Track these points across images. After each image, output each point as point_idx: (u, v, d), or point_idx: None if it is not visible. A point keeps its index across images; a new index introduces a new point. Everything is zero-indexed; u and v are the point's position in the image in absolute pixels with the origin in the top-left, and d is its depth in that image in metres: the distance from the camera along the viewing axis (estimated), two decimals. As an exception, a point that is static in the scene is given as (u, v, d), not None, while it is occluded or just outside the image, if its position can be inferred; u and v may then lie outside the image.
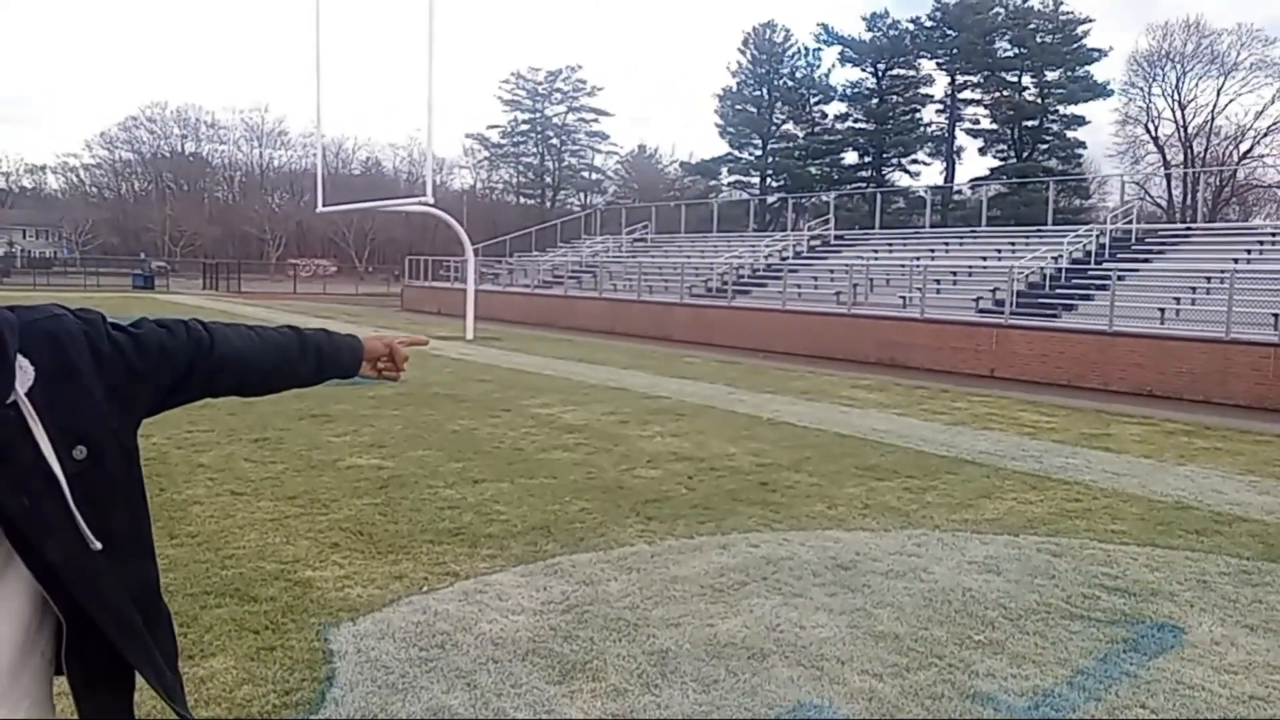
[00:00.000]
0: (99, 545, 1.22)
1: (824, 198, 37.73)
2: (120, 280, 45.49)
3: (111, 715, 1.35)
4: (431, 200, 20.24)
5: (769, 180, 59.26)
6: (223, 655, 3.47)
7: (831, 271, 23.19)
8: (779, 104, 59.38)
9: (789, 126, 59.89)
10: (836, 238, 27.38)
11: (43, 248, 68.59)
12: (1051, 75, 50.94)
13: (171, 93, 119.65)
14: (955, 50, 52.03)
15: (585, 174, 75.15)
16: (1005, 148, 53.35)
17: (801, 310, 20.43)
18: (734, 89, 59.87)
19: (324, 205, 23.87)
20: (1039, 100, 51.29)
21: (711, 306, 22.92)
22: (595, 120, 72.93)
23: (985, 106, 53.74)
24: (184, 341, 1.43)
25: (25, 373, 1.18)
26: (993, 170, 52.72)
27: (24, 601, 1.22)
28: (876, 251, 24.38)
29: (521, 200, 74.07)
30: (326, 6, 22.52)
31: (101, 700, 1.33)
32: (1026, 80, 51.92)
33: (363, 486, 6.20)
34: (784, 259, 26.15)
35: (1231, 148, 48.23)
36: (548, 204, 71.22)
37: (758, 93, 59.69)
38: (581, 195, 74.35)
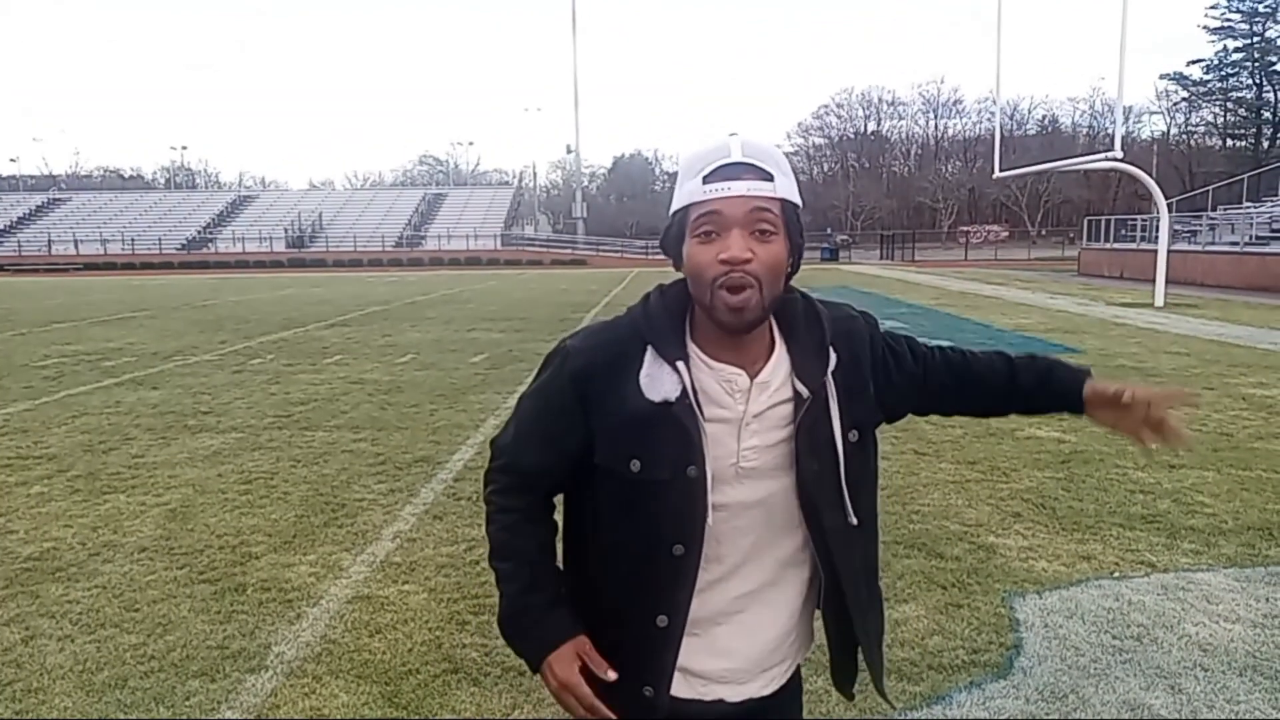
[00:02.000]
0: (855, 520, 1.41)
1: None
2: (810, 254, 50.78)
3: (844, 664, 1.57)
4: (1119, 155, 18.53)
5: None
6: (913, 603, 3.73)
7: None
8: None
9: None
10: None
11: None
12: None
13: (858, 78, 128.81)
14: None
15: (1322, 102, 60.82)
16: None
17: None
18: None
19: (1000, 170, 23.46)
20: None
21: None
22: (1341, 32, 58.50)
23: None
24: (932, 365, 1.56)
25: (831, 359, 1.41)
26: None
27: (807, 559, 1.47)
28: None
29: (1229, 143, 63.25)
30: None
31: (838, 650, 1.55)
32: None
33: (1043, 459, 6.03)
34: None
35: None
36: (1264, 144, 59.60)
37: None
38: (1315, 130, 60.44)
